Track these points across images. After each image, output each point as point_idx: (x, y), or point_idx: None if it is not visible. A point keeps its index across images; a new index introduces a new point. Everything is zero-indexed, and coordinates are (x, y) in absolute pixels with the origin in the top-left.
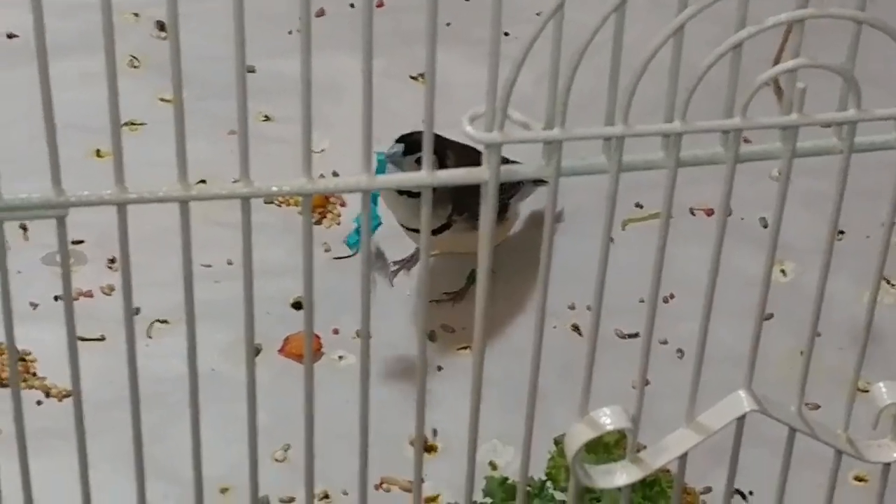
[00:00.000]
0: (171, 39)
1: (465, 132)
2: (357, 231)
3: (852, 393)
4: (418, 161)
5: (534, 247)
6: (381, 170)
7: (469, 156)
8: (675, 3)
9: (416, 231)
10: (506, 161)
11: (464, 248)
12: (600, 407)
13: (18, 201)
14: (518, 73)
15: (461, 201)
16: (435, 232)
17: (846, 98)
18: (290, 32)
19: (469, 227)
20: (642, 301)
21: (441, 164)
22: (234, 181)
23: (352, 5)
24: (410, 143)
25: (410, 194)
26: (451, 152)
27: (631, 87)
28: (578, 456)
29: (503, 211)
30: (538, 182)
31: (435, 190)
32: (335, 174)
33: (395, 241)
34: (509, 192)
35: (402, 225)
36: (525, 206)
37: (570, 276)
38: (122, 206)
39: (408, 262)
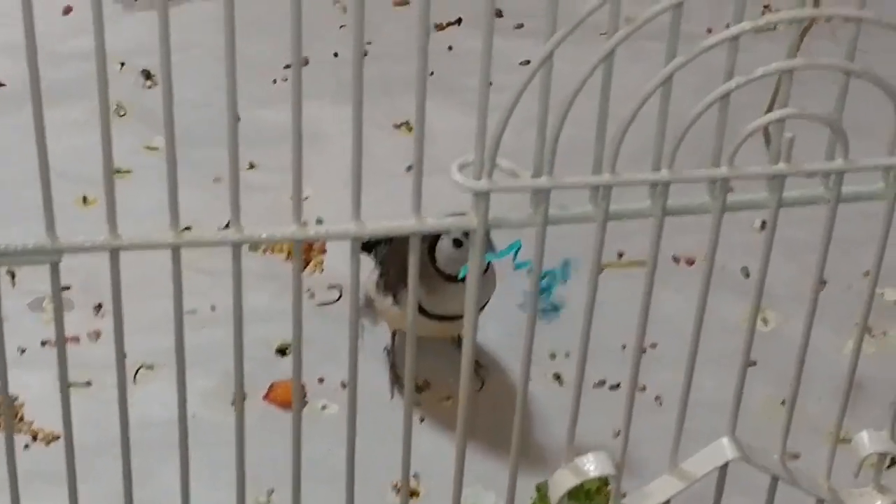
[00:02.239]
0: (164, 90)
1: (454, 180)
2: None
3: (835, 442)
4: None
5: (512, 294)
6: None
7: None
8: (656, 54)
9: (450, 318)
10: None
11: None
12: (580, 454)
13: (14, 248)
14: (507, 123)
15: None
16: (451, 318)
17: (833, 148)
18: (273, 82)
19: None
20: (624, 346)
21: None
22: (221, 227)
23: (335, 54)
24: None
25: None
26: None
27: (619, 137)
28: (563, 502)
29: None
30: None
31: None
32: (319, 221)
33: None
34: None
35: (435, 315)
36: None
37: (551, 323)
38: (114, 252)
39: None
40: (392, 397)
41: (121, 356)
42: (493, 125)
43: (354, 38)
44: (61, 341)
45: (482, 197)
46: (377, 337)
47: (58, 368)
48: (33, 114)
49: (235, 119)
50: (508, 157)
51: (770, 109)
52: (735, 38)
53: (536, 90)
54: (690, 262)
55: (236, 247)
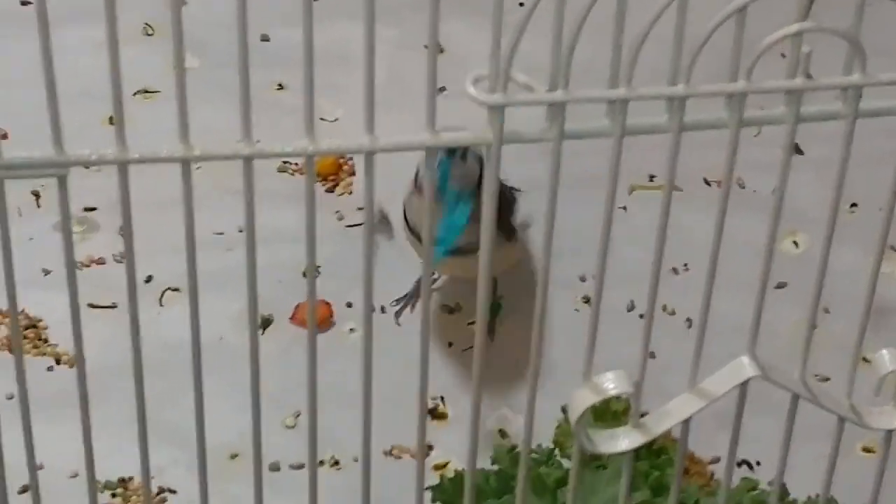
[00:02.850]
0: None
1: (468, 94)
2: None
3: (856, 360)
4: (463, 157)
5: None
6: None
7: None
8: None
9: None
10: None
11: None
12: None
13: (19, 160)
14: (521, 35)
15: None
16: (465, 252)
17: (851, 63)
18: None
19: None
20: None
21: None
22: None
23: None
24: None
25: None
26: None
27: (635, 49)
28: (582, 421)
29: (513, 231)
30: (513, 189)
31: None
32: None
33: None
34: (514, 206)
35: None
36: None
37: (581, 246)
38: (123, 166)
39: (411, 299)
40: (398, 324)
41: (132, 274)
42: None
43: None
44: (70, 258)
45: (496, 111)
46: (413, 265)
47: (68, 288)
48: (37, 15)
49: (245, 20)
50: (540, 75)
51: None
52: None
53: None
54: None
55: (248, 161)
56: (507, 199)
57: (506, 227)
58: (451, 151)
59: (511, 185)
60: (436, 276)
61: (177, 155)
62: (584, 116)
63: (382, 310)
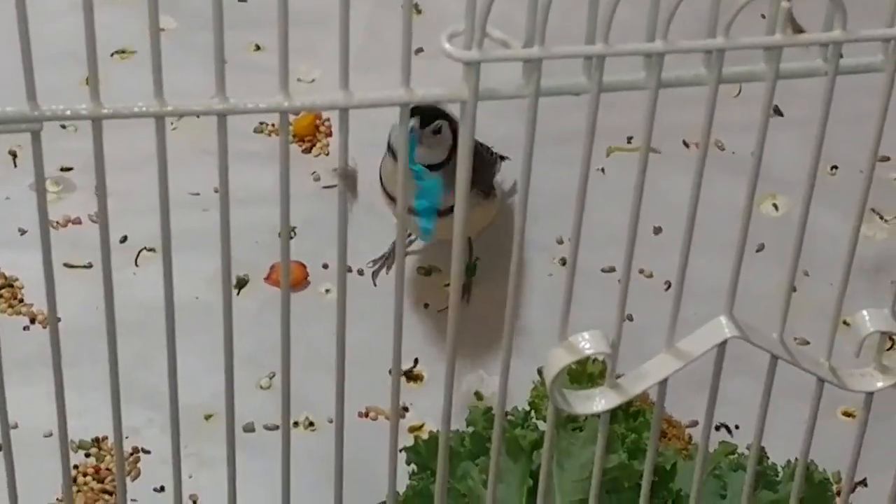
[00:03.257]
0: None
1: (444, 50)
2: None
3: (836, 321)
4: (435, 131)
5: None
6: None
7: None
8: None
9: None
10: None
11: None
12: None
13: None
14: None
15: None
16: (443, 213)
17: (832, 19)
18: None
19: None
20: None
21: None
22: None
23: None
24: (425, 116)
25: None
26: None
27: (612, 5)
28: (557, 381)
29: (491, 189)
30: (503, 157)
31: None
32: None
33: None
34: (493, 168)
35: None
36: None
37: (559, 207)
38: (97, 122)
39: (387, 260)
40: (375, 285)
41: (105, 233)
42: None
43: None
44: (43, 215)
45: (472, 67)
46: (389, 225)
47: (41, 247)
48: None
49: None
50: (517, 32)
51: None
52: None
53: None
54: None
55: (221, 117)
56: (484, 157)
57: (483, 185)
58: (424, 123)
59: (500, 153)
60: (411, 237)
61: (150, 110)
62: (562, 74)
63: (360, 272)
